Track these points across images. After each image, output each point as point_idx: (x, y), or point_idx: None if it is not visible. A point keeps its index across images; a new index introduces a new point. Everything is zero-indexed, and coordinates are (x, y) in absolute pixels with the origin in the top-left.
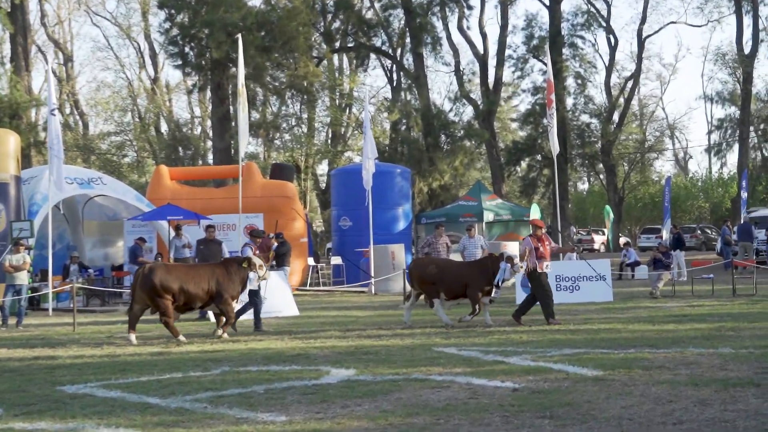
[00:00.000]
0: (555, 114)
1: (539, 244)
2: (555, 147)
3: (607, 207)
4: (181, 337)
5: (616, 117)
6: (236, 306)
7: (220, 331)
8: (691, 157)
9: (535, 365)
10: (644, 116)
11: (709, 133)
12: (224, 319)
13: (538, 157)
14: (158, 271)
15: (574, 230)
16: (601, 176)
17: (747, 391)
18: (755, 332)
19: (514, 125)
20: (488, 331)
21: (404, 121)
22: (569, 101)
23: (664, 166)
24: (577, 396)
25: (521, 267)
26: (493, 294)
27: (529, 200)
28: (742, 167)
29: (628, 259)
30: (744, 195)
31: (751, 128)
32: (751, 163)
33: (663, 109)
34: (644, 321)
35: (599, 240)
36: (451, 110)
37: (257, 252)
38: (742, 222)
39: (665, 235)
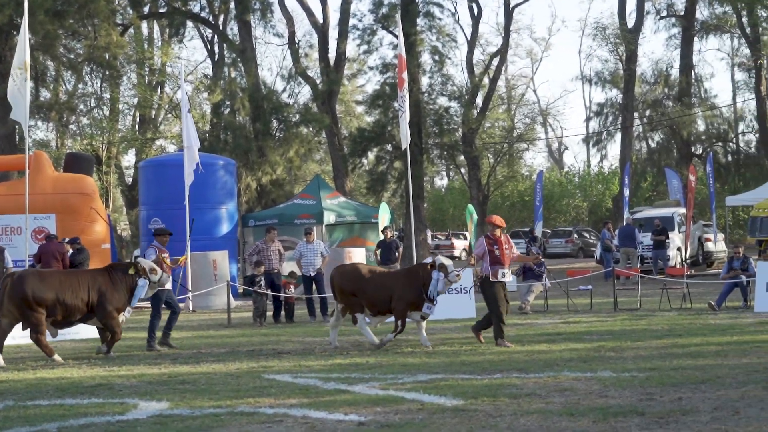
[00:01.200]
0: (407, 96)
1: (495, 247)
2: (407, 135)
3: (470, 206)
4: (57, 357)
5: (479, 100)
6: (123, 317)
7: (104, 347)
8: (566, 148)
9: (384, 394)
10: (512, 100)
11: (588, 120)
12: (109, 335)
13: (389, 147)
14: (30, 280)
15: (431, 234)
16: (463, 170)
17: (630, 421)
18: (639, 353)
19: (360, 109)
20: (329, 355)
21: (228, 103)
22: (425, 81)
23: (535, 159)
24: (434, 430)
25: (458, 276)
26: (425, 309)
27: (378, 198)
28: (624, 160)
29: None
30: (627, 193)
31: (636, 115)
32: (634, 156)
33: (534, 91)
34: (512, 340)
35: (460, 245)
36: (284, 90)
37: (165, 255)
38: (624, 224)
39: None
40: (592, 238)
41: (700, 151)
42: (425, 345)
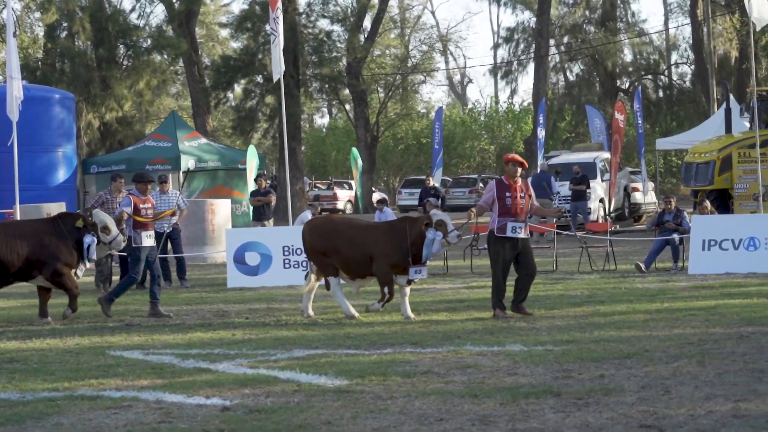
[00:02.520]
0: (282, 18)
1: (507, 195)
2: (280, 65)
3: (354, 150)
4: None
5: (367, 24)
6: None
7: (68, 311)
8: (470, 80)
9: (253, 374)
10: (407, 23)
11: (495, 47)
12: (67, 297)
13: (259, 78)
14: None
15: (309, 183)
16: (347, 107)
17: (543, 403)
18: (554, 323)
19: (225, 33)
20: (187, 327)
21: (65, 24)
22: (302, 1)
23: (434, 94)
24: (313, 415)
25: (459, 236)
26: (412, 274)
27: (246, 140)
28: (538, 95)
29: None
30: (541, 134)
31: (552, 42)
32: (550, 91)
33: (432, 13)
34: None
35: (345, 196)
36: (133, 10)
37: (149, 206)
38: (538, 171)
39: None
40: None
41: (626, 86)
42: (407, 316)
